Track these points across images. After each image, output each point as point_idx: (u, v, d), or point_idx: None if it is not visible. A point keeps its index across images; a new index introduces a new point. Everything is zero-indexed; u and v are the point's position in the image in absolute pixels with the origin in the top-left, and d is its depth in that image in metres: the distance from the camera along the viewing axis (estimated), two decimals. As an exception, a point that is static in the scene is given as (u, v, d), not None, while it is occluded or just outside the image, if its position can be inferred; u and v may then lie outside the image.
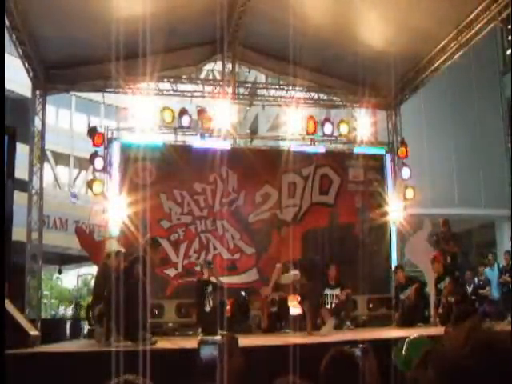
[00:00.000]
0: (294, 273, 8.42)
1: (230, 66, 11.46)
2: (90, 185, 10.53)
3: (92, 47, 9.90)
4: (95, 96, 18.68)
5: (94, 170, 10.61)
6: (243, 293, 10.26)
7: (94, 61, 10.31)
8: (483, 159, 15.63)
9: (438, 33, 9.81)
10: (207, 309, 8.92)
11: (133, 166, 10.56)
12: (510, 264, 11.59)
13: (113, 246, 7.66)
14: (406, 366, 2.64)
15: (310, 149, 11.59)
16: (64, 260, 22.09)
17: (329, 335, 7.61)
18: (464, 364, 1.07)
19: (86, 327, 14.92)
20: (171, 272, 10.45)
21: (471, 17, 9.25)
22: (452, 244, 9.85)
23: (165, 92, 11.35)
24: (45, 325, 9.50)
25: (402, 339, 2.79)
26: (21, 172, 9.20)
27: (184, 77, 11.80)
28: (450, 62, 10.54)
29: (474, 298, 11.42)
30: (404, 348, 2.72)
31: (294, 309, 9.85)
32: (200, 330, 8.66)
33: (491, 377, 1.04)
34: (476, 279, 12.41)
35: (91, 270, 21.27)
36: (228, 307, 9.49)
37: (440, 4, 8.84)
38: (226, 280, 10.29)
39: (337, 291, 9.69)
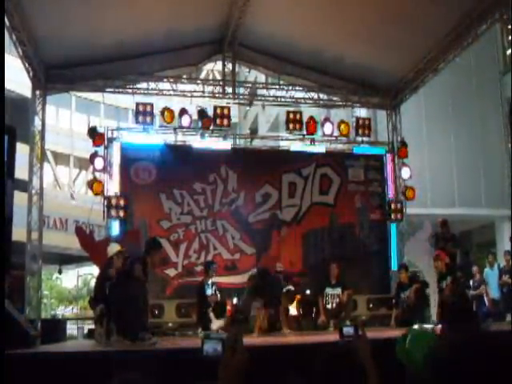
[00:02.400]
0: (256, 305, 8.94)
1: (230, 65, 11.46)
2: (90, 185, 10.53)
3: (92, 47, 9.90)
4: (95, 96, 18.71)
5: (94, 170, 10.61)
6: (235, 298, 10.15)
7: (94, 61, 10.31)
8: (483, 159, 15.61)
9: (438, 33, 9.80)
10: (207, 309, 8.91)
11: (133, 166, 10.58)
12: (511, 264, 11.57)
13: (113, 248, 7.64)
14: (408, 359, 2.51)
15: (310, 149, 11.58)
16: (64, 260, 22.12)
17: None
18: (462, 364, 1.07)
19: (86, 327, 14.95)
20: (171, 272, 10.45)
21: (471, 17, 9.25)
22: (450, 245, 9.82)
23: (165, 92, 11.35)
24: (45, 325, 9.47)
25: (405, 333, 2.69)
26: (21, 172, 9.18)
27: (184, 77, 11.80)
28: (450, 62, 10.55)
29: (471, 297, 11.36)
30: (407, 340, 2.60)
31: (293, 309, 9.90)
32: (200, 329, 8.67)
33: (489, 377, 1.04)
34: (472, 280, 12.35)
35: (91, 270, 21.27)
36: (228, 307, 9.48)
37: (440, 4, 8.83)
38: (226, 280, 10.29)
39: (338, 290, 9.67)
